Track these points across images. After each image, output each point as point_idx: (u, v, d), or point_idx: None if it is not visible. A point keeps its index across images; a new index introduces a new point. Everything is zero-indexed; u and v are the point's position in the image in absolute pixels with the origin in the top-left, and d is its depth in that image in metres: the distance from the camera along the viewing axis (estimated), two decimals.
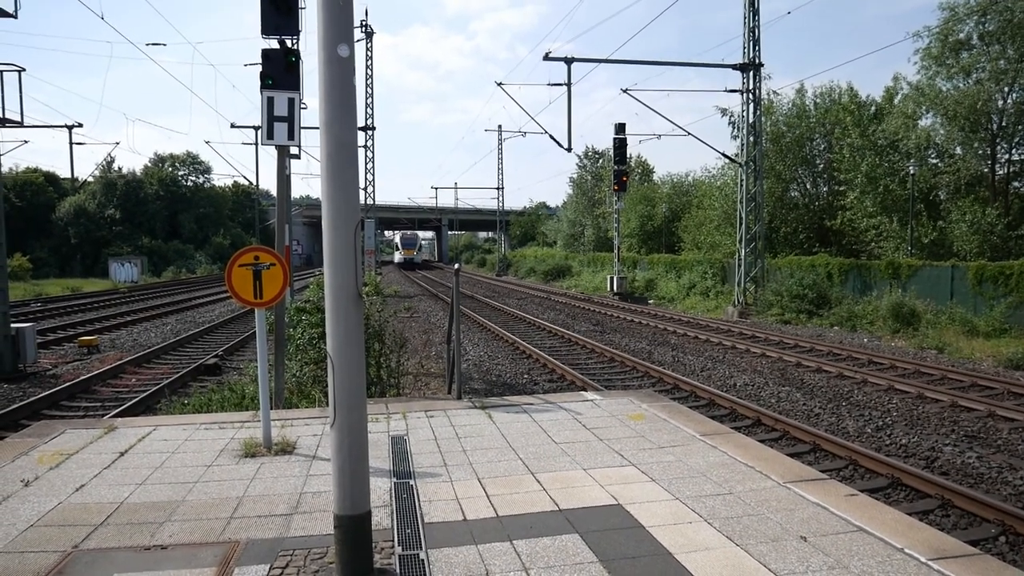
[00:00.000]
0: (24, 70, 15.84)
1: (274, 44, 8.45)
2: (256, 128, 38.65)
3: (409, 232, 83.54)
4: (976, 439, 8.95)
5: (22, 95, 17.88)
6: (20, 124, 16.09)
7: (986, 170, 24.96)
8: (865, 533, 4.33)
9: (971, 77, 24.12)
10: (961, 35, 24.24)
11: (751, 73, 23.96)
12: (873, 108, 30.15)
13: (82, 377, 12.66)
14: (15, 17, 13.94)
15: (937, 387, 11.71)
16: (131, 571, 3.91)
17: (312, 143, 33.34)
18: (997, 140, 24.64)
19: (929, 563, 3.92)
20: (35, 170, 58.38)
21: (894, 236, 25.74)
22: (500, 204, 63.55)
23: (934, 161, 26.54)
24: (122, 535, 4.38)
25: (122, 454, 6.07)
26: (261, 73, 8.10)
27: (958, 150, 25.42)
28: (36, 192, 55.37)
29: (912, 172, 24.34)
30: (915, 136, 25.26)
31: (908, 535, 4.29)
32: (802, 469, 5.66)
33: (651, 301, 31.17)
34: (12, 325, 13.72)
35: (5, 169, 27.05)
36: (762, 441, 7.72)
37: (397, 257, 79.00)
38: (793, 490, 5.08)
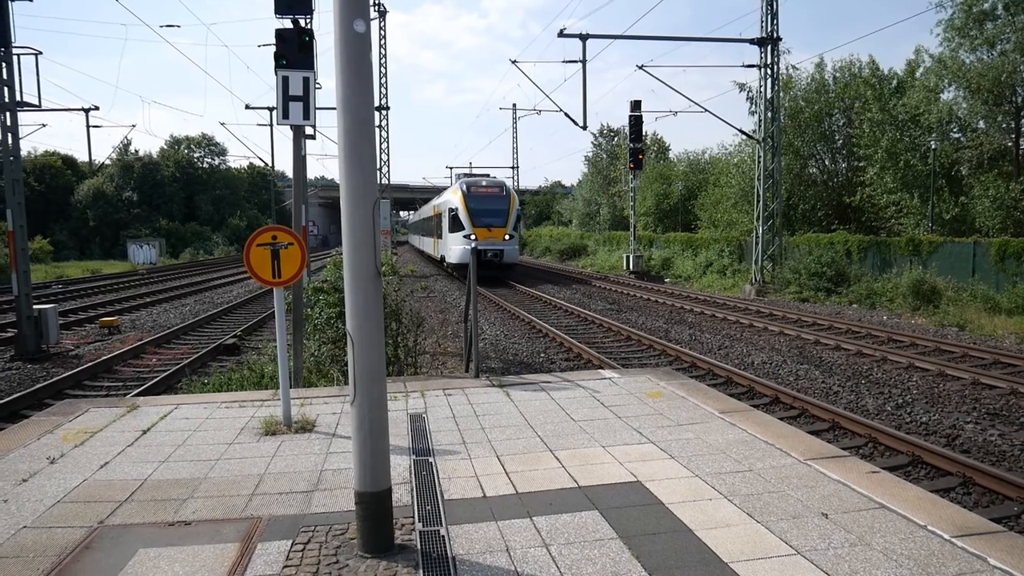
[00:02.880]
0: (41, 53, 15.90)
1: (288, 24, 8.41)
2: (271, 109, 38.71)
3: (486, 182, 32.01)
4: (998, 417, 8.85)
5: (39, 78, 17.96)
6: (38, 108, 16.16)
7: (1010, 144, 24.47)
8: (887, 510, 4.30)
9: (995, 49, 23.55)
10: (985, 5, 23.63)
11: (769, 47, 23.58)
12: (895, 82, 29.57)
13: (104, 357, 12.81)
14: (31, 1, 13.97)
15: (958, 364, 11.58)
16: (156, 546, 3.96)
17: (327, 123, 33.32)
18: (1021, 113, 24.12)
19: (953, 540, 3.89)
20: (53, 153, 58.86)
21: (914, 212, 25.37)
22: (515, 183, 63.34)
23: (956, 135, 26.04)
24: (146, 511, 4.44)
25: (145, 432, 6.14)
26: (275, 53, 8.07)
27: (981, 124, 24.92)
28: (55, 175, 55.87)
29: (934, 147, 23.93)
30: (937, 110, 24.78)
31: (931, 512, 4.26)
32: (822, 446, 5.62)
33: (667, 280, 31.01)
34: (34, 306, 13.89)
35: (24, 153, 27.36)
36: (781, 419, 7.68)
37: (454, 249, 30.11)
38: (813, 467, 5.06)
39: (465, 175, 35.40)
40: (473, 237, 27.83)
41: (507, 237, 28.74)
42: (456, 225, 29.42)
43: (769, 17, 23.32)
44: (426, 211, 44.15)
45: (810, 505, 4.40)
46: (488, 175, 36.97)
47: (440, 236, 33.40)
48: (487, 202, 29.41)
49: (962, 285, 18.80)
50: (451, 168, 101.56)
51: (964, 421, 8.60)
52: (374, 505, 3.84)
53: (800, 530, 4.05)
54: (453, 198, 30.37)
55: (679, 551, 3.83)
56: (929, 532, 4.00)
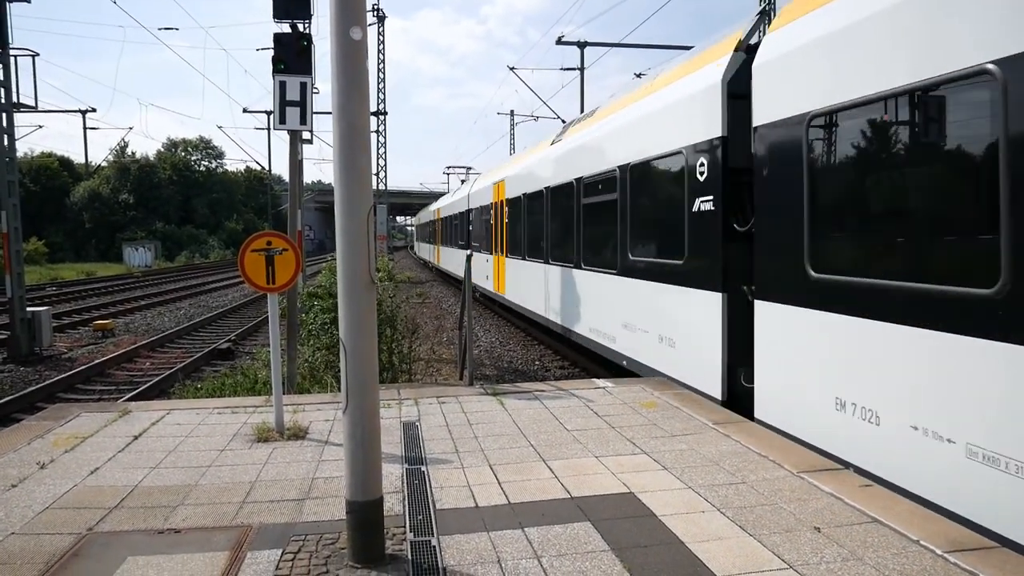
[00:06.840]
0: (38, 55, 15.88)
1: (286, 28, 8.44)
2: (268, 113, 38.74)
3: None
4: None
5: (36, 80, 18.04)
6: (34, 109, 16.15)
7: None
8: (880, 524, 4.29)
9: None
10: None
11: None
12: None
13: (97, 361, 12.77)
14: (28, 2, 13.98)
15: None
16: (145, 554, 3.93)
17: (324, 128, 33.61)
18: None
19: (945, 555, 3.88)
20: (49, 155, 58.90)
21: None
22: None
23: None
24: (136, 518, 4.41)
25: (136, 438, 6.11)
26: (273, 57, 8.09)
27: None
28: (51, 177, 55.87)
29: None
30: None
31: (923, 527, 4.25)
32: (815, 459, 5.61)
33: None
34: (28, 309, 13.84)
35: (20, 154, 27.29)
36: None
37: None
38: (807, 480, 5.04)
39: None
40: None
41: None
42: None
43: (765, 25, 23.43)
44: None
45: (803, 518, 4.39)
46: None
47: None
48: None
49: None
50: (447, 172, 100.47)
51: None
52: (365, 514, 3.81)
53: (792, 544, 4.04)
54: None
55: (671, 564, 3.81)
56: (922, 547, 3.99)
